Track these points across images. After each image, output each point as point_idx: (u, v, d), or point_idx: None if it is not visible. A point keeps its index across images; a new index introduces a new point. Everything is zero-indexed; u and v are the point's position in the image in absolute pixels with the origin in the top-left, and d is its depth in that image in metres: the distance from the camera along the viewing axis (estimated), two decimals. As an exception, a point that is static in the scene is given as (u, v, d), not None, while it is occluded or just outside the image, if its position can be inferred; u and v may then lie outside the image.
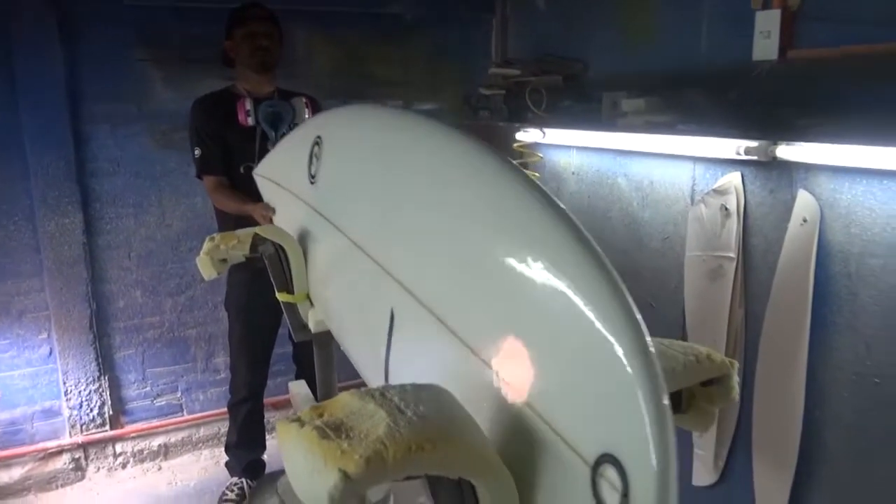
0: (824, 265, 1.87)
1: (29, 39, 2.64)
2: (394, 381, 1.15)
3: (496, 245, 0.94)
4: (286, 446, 0.80)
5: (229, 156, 2.51)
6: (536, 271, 0.84)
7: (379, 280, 1.23)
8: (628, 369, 0.68)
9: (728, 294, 2.16)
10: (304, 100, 2.53)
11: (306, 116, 2.49)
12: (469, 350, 0.93)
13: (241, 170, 2.49)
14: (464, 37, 3.44)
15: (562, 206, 0.86)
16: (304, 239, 1.76)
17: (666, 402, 0.65)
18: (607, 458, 0.68)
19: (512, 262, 0.88)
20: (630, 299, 0.73)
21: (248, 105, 2.45)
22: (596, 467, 0.69)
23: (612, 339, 0.70)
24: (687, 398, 1.07)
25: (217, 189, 2.53)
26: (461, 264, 1.01)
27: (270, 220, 2.13)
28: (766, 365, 2.06)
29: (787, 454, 2.01)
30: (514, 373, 0.85)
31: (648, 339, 0.69)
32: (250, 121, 2.45)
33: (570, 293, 0.77)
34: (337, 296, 1.61)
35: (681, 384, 1.00)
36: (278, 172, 2.09)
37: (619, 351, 0.69)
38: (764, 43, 1.95)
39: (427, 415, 0.80)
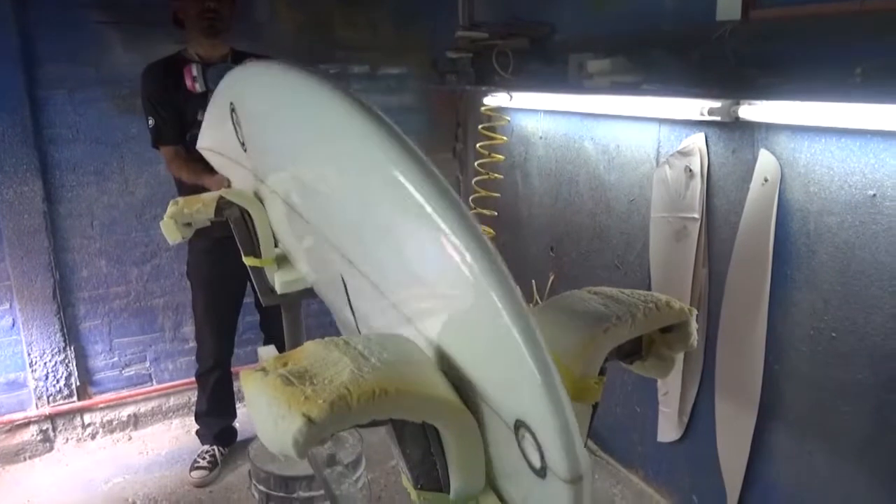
0: (784, 224, 1.91)
1: (-23, -1, 2.54)
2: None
3: (380, 201, 0.96)
4: (250, 395, 0.80)
5: (183, 123, 2.46)
6: (413, 229, 0.87)
7: (323, 247, 1.25)
8: (514, 334, 0.70)
9: (692, 254, 2.20)
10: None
11: None
12: (391, 304, 0.97)
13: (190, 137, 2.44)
14: (430, 1, 3.39)
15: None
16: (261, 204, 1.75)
17: (549, 360, 0.68)
18: (521, 424, 0.72)
19: (393, 218, 0.94)
20: (500, 261, 0.75)
21: (195, 71, 2.37)
22: (517, 431, 0.73)
23: (497, 302, 0.72)
24: (647, 345, 1.10)
25: (173, 160, 2.48)
26: (361, 220, 1.04)
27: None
28: (728, 322, 2.11)
29: (748, 407, 2.07)
30: (426, 325, 0.88)
31: (520, 298, 0.71)
32: (198, 87, 2.38)
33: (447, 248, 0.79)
34: (304, 259, 1.61)
35: (641, 331, 1.03)
36: (217, 142, 2.04)
37: (504, 316, 0.71)
38: (727, 3, 1.96)
39: (390, 361, 0.80)
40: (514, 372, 0.71)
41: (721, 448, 2.23)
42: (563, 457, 0.66)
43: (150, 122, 2.47)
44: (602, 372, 1.01)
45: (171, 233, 1.82)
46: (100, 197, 2.92)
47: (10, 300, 2.83)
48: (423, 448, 0.83)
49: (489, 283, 0.72)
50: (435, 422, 0.79)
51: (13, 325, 2.86)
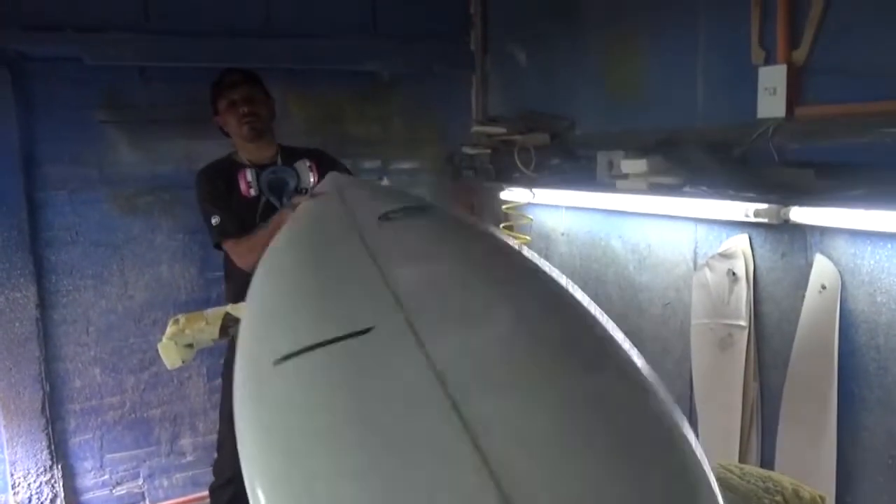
0: (849, 336, 1.73)
1: (-21, 101, 2.46)
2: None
3: None
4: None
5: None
6: None
7: None
8: None
9: (741, 366, 2.01)
10: (307, 163, 2.36)
11: (311, 180, 2.33)
12: None
13: None
14: (443, 94, 3.33)
15: None
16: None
17: None
18: None
19: None
20: None
21: (250, 176, 2.30)
22: None
23: None
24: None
25: (240, 244, 2.30)
26: None
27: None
28: (789, 445, 1.89)
29: (816, 544, 1.83)
30: None
31: None
32: (253, 192, 2.30)
33: None
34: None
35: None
36: None
37: None
38: (769, 100, 1.85)
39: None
40: None
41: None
42: None
43: (215, 220, 2.32)
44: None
45: (170, 356, 1.65)
46: (97, 301, 2.76)
47: (-6, 415, 2.62)
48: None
49: None
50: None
51: (-4, 441, 2.64)
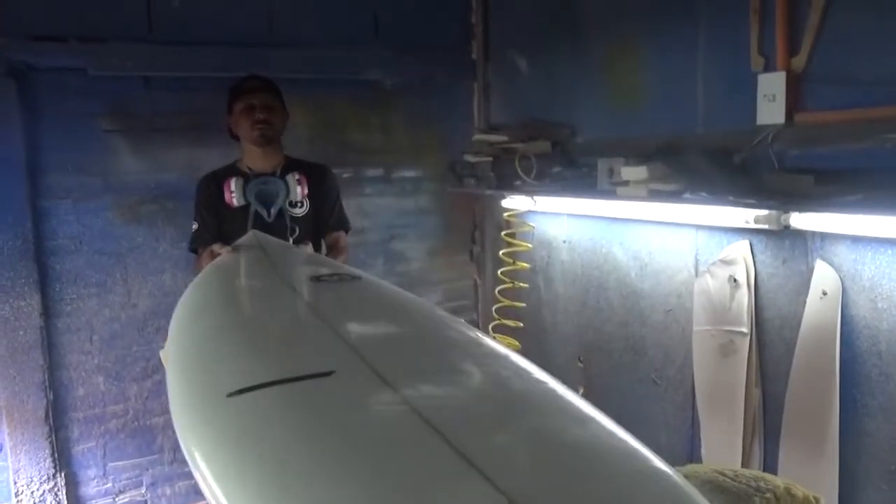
0: (850, 343, 1.72)
1: (-15, 112, 2.48)
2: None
3: None
4: None
5: (221, 234, 2.35)
6: None
7: None
8: None
9: (742, 372, 2.00)
10: (297, 176, 2.36)
11: (299, 195, 2.34)
12: None
13: None
14: (445, 102, 3.35)
15: None
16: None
17: None
18: None
19: None
20: None
21: (234, 185, 2.29)
22: None
23: None
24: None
25: (199, 259, 2.33)
26: None
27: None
28: (791, 452, 1.89)
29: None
30: None
31: None
32: (235, 201, 2.29)
33: None
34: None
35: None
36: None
37: None
38: (769, 106, 1.85)
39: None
40: None
41: None
42: None
43: (194, 226, 2.38)
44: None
45: (171, 363, 1.65)
46: (101, 310, 2.76)
47: (-2, 423, 2.63)
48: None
49: None
50: None
51: (0, 450, 2.64)
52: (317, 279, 1.54)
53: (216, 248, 2.03)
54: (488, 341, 1.15)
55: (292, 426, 0.85)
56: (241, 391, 0.92)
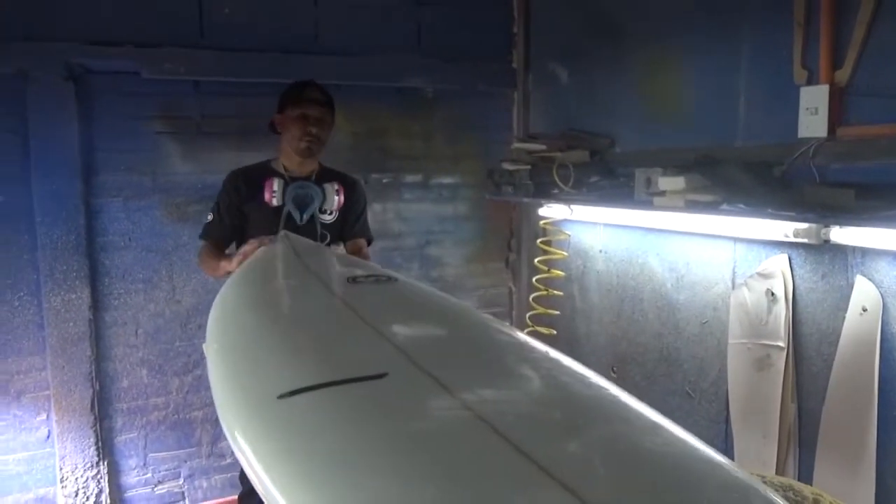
0: (890, 360, 1.70)
1: (45, 112, 2.59)
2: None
3: None
4: None
5: (247, 230, 2.40)
6: None
7: None
8: None
9: (778, 387, 1.99)
10: (335, 186, 2.40)
11: (335, 205, 2.39)
12: None
13: None
14: (485, 111, 3.39)
15: None
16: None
17: None
18: None
19: None
20: None
21: (276, 186, 2.33)
22: None
23: None
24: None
25: (203, 250, 2.41)
26: None
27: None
28: (827, 469, 1.86)
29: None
30: None
31: None
32: (275, 201, 2.34)
33: None
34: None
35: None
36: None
37: None
38: (811, 119, 1.84)
39: None
40: None
41: None
42: None
43: (209, 216, 2.43)
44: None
45: (214, 356, 1.71)
46: (146, 305, 2.86)
47: (47, 410, 2.73)
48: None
49: None
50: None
51: (48, 436, 2.75)
52: (353, 280, 1.55)
53: (249, 246, 2.09)
54: (538, 344, 1.13)
55: (350, 429, 0.84)
56: (292, 392, 0.92)
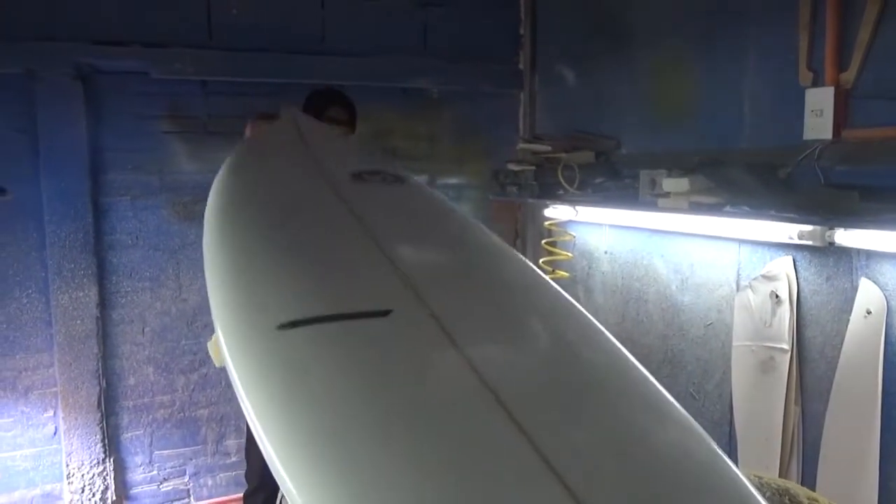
0: (894, 363, 1.69)
1: (54, 111, 2.62)
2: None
3: None
4: None
5: None
6: None
7: None
8: None
9: (782, 389, 1.98)
10: None
11: None
12: None
13: None
14: (491, 112, 3.39)
15: None
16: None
17: None
18: None
19: None
20: None
21: None
22: None
23: None
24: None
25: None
26: None
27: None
28: (830, 471, 1.86)
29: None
30: None
31: None
32: None
33: None
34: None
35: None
36: None
37: None
38: (816, 121, 1.84)
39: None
40: None
41: None
42: None
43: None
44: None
45: (218, 354, 1.72)
46: (153, 303, 2.88)
47: (54, 407, 2.76)
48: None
49: None
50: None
51: (55, 433, 2.77)
52: (358, 176, 1.41)
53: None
54: (549, 283, 1.09)
55: (348, 374, 0.80)
56: (293, 324, 0.88)
